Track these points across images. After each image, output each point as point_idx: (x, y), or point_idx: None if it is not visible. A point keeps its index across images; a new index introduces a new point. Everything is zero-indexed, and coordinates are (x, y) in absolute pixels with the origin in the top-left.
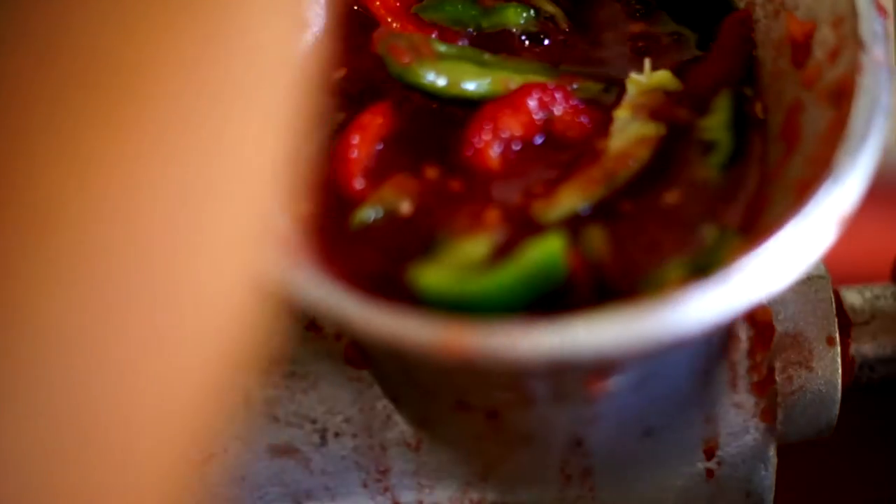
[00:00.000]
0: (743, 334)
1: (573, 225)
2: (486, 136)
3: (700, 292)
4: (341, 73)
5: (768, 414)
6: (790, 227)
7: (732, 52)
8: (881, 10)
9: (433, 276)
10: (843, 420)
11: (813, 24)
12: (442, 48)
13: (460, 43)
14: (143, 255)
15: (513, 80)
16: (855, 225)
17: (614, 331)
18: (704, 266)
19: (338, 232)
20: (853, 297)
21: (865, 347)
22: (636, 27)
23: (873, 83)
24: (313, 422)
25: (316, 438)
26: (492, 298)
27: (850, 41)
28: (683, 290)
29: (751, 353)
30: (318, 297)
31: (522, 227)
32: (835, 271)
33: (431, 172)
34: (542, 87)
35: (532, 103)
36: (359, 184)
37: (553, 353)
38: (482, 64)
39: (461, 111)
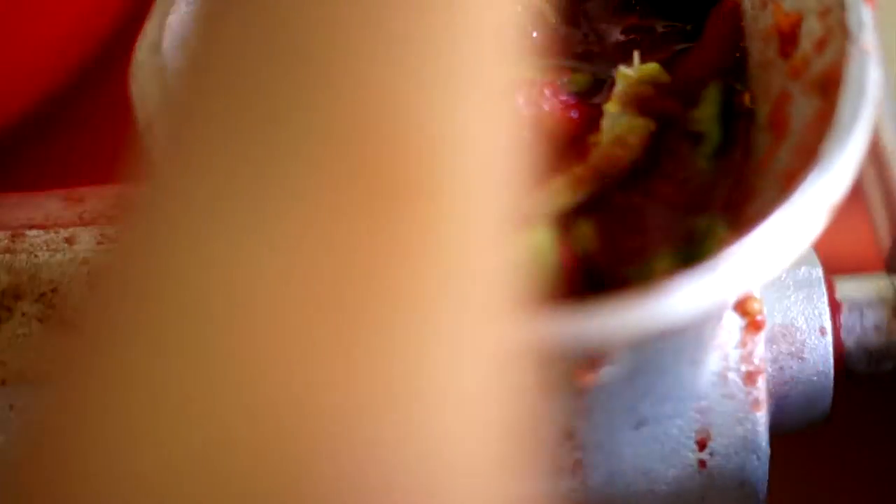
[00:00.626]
0: (734, 325)
1: (562, 216)
2: None
3: (688, 282)
4: None
5: (760, 405)
6: (778, 216)
7: (720, 43)
8: None
9: None
10: (837, 410)
11: (800, 15)
12: None
13: None
14: None
15: None
16: (847, 214)
17: (603, 321)
18: (693, 256)
19: None
20: (846, 287)
21: (858, 338)
22: (626, 20)
23: (860, 73)
24: None
25: None
26: None
27: (836, 31)
28: (672, 281)
29: (742, 343)
30: None
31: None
32: (827, 261)
33: None
34: (531, 84)
35: (520, 100)
36: None
37: (541, 344)
38: None
39: None
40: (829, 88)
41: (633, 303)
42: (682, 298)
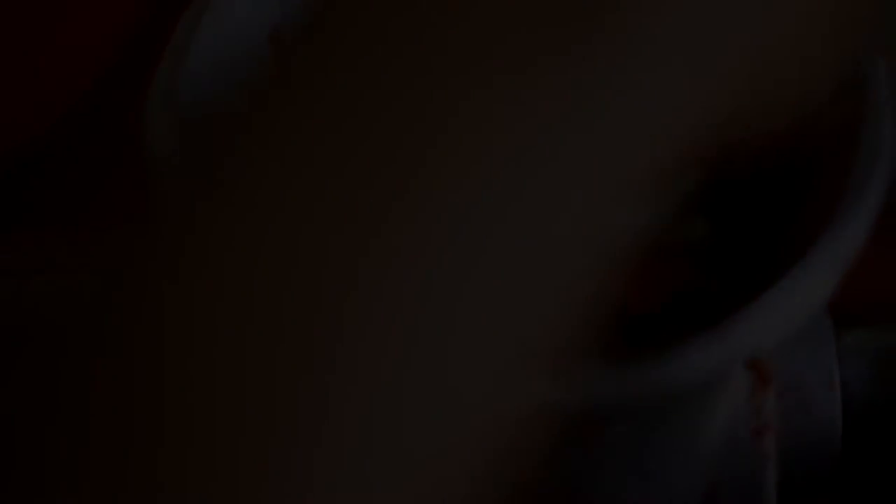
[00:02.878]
0: (743, 379)
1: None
2: None
3: (699, 346)
4: None
5: (768, 460)
6: (789, 279)
7: None
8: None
9: None
10: (845, 465)
11: None
12: None
13: None
14: None
15: None
16: (859, 264)
17: (612, 383)
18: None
19: None
20: (856, 339)
21: (868, 391)
22: None
23: (874, 128)
24: None
25: None
26: None
27: (848, 84)
28: (683, 345)
29: (751, 397)
30: None
31: None
32: (837, 313)
33: None
34: None
35: None
36: None
37: (556, 406)
38: None
39: None
40: (839, 142)
41: (644, 368)
42: (693, 363)
